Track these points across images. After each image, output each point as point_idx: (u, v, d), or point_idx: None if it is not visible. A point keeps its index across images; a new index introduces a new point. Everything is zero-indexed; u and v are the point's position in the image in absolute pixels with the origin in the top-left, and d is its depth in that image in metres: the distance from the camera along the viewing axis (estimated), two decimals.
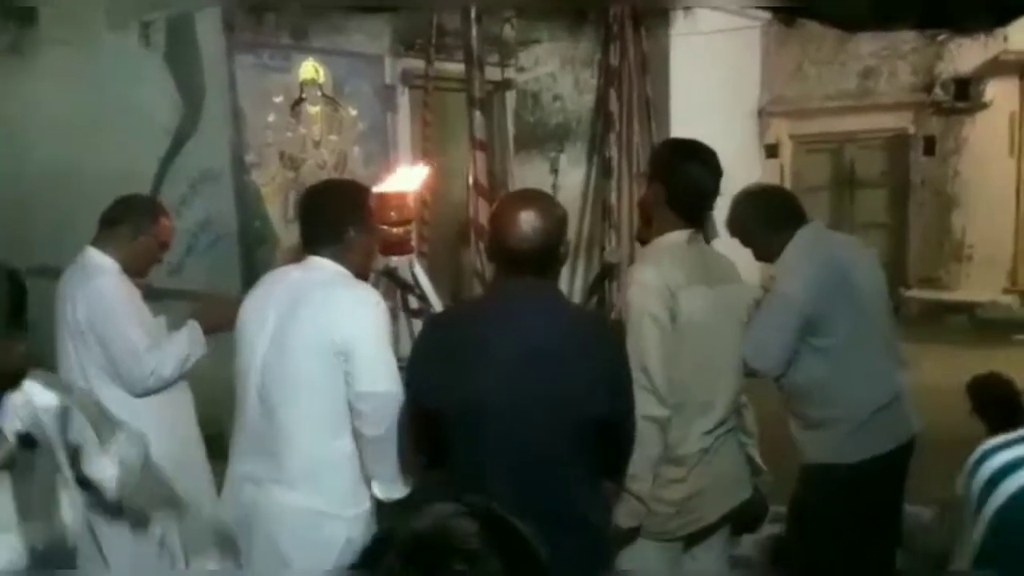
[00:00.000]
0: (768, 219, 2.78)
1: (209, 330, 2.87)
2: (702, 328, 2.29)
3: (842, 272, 2.71)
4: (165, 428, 2.75)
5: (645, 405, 2.15)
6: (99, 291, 2.69)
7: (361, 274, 2.37)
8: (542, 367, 1.92)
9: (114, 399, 2.65)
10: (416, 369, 2.07)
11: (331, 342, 2.17)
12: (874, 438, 2.68)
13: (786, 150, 9.36)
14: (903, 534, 2.94)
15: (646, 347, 2.20)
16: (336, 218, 2.31)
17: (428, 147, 6.10)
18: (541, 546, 0.97)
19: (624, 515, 2.23)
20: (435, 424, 1.99)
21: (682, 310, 2.25)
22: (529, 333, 1.94)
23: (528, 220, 1.96)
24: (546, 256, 2.00)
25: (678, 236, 2.36)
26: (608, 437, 2.02)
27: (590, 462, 2.00)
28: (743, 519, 2.53)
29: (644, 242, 2.49)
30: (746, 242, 2.84)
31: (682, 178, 2.36)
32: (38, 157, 5.66)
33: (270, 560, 2.21)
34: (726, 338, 2.40)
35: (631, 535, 2.28)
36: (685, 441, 2.30)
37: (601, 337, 2.09)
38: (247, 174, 5.45)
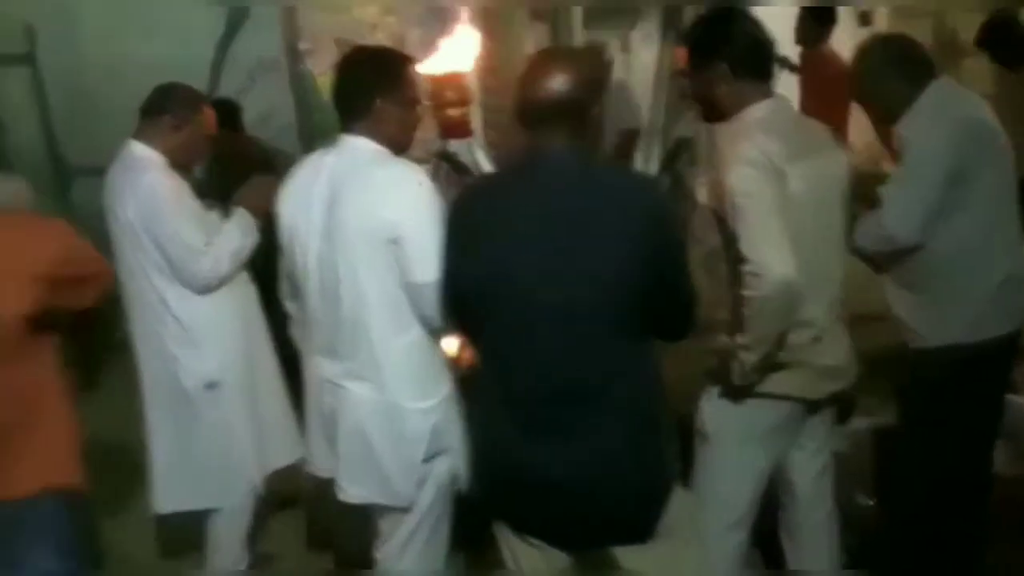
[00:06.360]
0: (901, 70, 2.50)
1: (257, 214, 2.74)
2: (807, 205, 2.07)
3: (981, 126, 2.48)
4: (233, 323, 2.71)
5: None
6: (148, 188, 2.56)
7: (399, 151, 2.17)
8: (569, 233, 1.75)
9: (177, 297, 2.63)
10: (445, 252, 1.95)
11: (379, 229, 2.02)
12: (996, 316, 2.49)
13: (881, 16, 8.71)
14: (1004, 424, 2.76)
15: (756, 233, 2.01)
16: (364, 86, 2.11)
17: (490, 26, 5.77)
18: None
19: (737, 374, 2.15)
20: (468, 310, 1.88)
21: (789, 188, 2.04)
22: (553, 198, 1.77)
23: (550, 74, 1.78)
24: (572, 115, 1.79)
25: (764, 106, 2.14)
26: (654, 307, 1.81)
27: (626, 335, 1.80)
28: (840, 408, 2.43)
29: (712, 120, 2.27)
30: (869, 98, 2.59)
31: (740, 41, 2.15)
32: (94, 48, 5.56)
33: (360, 457, 2.16)
34: (831, 214, 2.20)
35: (743, 391, 2.19)
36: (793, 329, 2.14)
37: (641, 199, 1.83)
38: (302, 62, 5.26)
